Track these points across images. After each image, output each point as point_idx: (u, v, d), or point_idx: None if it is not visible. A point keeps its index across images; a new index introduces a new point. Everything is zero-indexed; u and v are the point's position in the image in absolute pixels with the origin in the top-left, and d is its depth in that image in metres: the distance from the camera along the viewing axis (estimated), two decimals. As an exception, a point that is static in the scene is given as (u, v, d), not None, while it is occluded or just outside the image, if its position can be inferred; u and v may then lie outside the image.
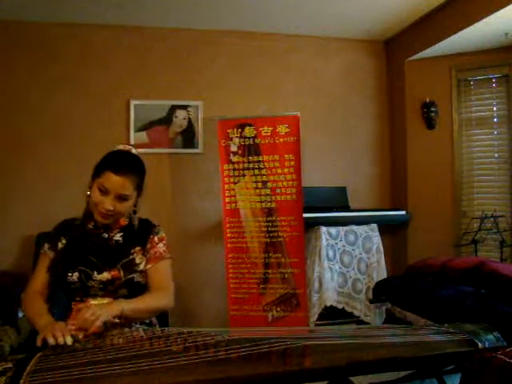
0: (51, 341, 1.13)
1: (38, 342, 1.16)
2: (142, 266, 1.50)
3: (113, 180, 1.40)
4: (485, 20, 2.89)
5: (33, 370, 0.97)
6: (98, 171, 1.43)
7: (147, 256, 1.53)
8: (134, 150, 1.53)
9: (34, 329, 1.33)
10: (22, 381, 0.92)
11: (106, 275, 1.45)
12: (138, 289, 1.49)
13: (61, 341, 1.13)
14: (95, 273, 1.44)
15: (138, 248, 1.52)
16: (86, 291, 1.45)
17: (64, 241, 1.50)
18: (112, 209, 1.42)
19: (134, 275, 1.48)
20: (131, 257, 1.50)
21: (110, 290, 1.46)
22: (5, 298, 2.57)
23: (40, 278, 1.47)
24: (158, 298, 1.47)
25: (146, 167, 1.53)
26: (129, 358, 1.02)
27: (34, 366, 0.98)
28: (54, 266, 1.46)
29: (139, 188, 1.50)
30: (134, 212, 1.54)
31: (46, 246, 1.51)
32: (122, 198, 1.43)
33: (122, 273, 1.46)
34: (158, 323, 1.60)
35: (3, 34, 3.33)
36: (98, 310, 1.26)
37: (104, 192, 1.41)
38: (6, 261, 3.19)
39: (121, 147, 1.52)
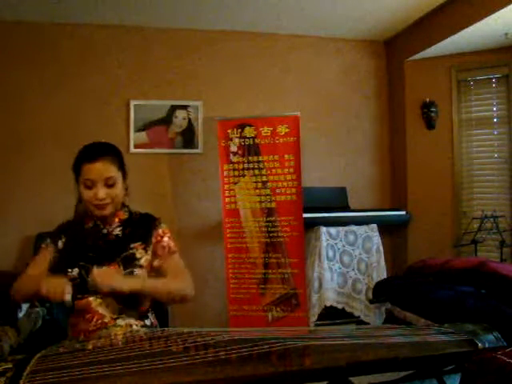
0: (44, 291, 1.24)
1: (43, 291, 1.26)
2: (142, 261, 1.50)
3: (92, 168, 1.41)
4: (485, 20, 2.89)
5: (33, 370, 0.97)
6: (77, 170, 1.45)
7: (157, 251, 1.53)
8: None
9: (33, 330, 1.34)
10: (21, 381, 0.92)
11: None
12: None
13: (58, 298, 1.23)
14: (95, 267, 1.43)
15: (138, 243, 1.51)
16: (86, 288, 1.43)
17: (64, 239, 1.52)
18: (105, 197, 1.43)
19: (134, 269, 1.47)
20: (131, 251, 1.49)
21: None
22: (5, 298, 2.56)
23: (38, 265, 1.49)
24: (178, 282, 1.51)
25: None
26: (129, 358, 1.02)
27: (34, 367, 0.98)
28: (55, 266, 1.46)
29: (122, 168, 1.50)
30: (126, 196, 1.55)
31: (48, 240, 1.53)
32: (109, 182, 1.44)
33: (121, 266, 1.45)
34: (158, 323, 1.59)
35: (3, 34, 3.33)
36: (119, 279, 1.37)
37: (91, 185, 1.43)
38: (6, 261, 3.18)
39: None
